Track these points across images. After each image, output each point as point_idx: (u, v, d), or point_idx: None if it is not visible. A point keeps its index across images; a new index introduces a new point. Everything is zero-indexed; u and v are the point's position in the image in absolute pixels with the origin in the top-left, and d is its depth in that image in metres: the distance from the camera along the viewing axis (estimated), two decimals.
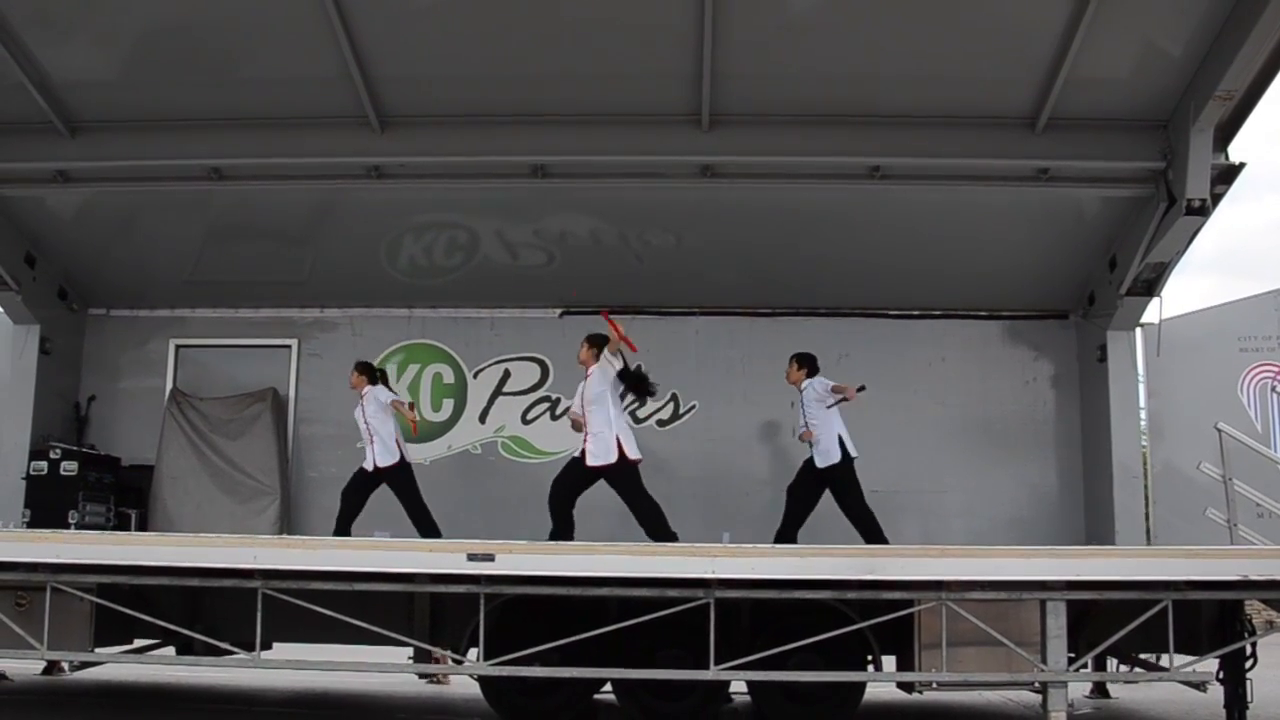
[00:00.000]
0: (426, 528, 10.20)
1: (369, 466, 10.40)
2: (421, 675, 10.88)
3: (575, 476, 9.60)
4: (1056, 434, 11.76)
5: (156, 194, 10.92)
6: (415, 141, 10.36)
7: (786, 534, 9.93)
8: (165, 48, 9.71)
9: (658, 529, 9.22)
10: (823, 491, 10.04)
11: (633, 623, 7.96)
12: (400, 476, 10.41)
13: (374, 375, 10.74)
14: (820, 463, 9.96)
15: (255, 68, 9.91)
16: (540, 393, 11.97)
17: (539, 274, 11.64)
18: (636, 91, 9.96)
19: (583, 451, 9.52)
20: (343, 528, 10.25)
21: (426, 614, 8.95)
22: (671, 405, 11.81)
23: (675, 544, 8.45)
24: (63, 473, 11.04)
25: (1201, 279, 58.14)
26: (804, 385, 10.13)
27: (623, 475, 9.40)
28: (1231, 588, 7.80)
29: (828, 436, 9.93)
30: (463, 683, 10.03)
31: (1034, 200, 10.58)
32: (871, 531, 9.77)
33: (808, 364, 10.23)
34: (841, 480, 9.93)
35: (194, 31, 9.58)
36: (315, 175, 10.63)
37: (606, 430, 9.39)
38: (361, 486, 10.44)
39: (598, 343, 9.62)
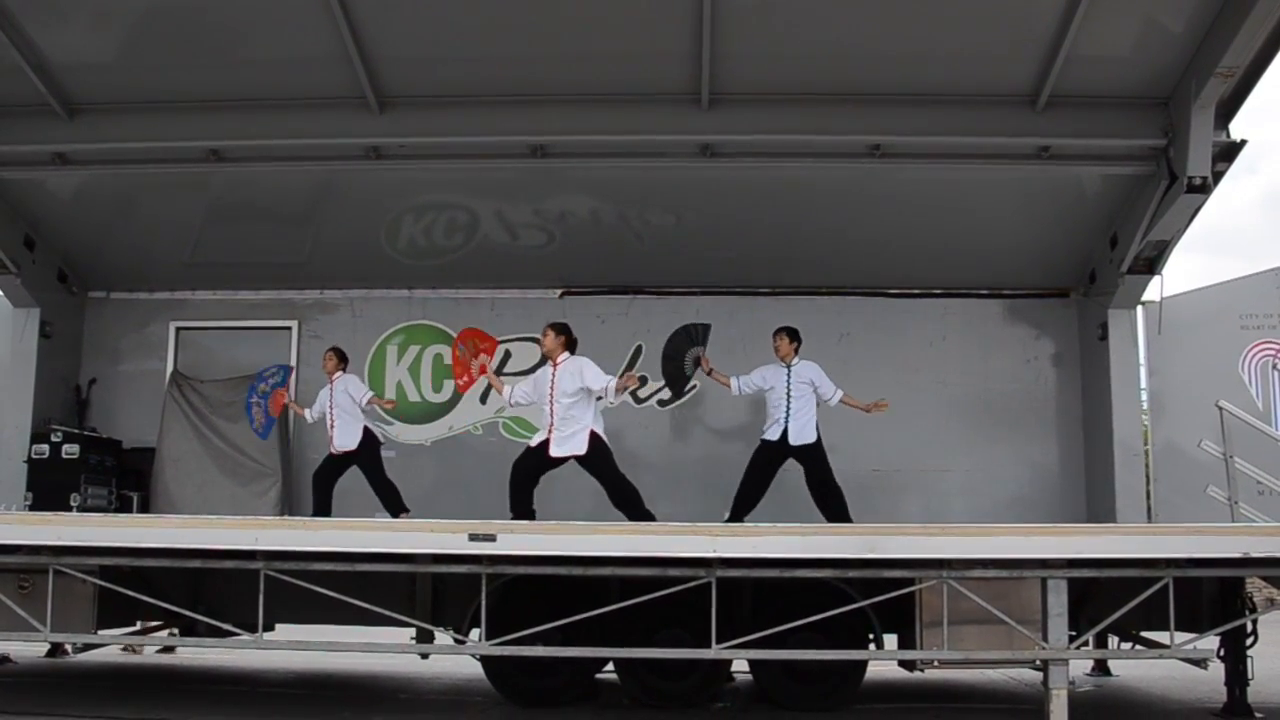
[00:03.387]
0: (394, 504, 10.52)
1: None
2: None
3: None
4: (1058, 412, 11.77)
5: (155, 176, 10.89)
6: (414, 122, 10.33)
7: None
8: (163, 29, 9.67)
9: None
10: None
11: (634, 602, 7.96)
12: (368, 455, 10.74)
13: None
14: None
15: (253, 48, 9.87)
16: None
17: (539, 254, 11.62)
18: (636, 71, 9.92)
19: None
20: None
21: (428, 594, 8.96)
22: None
23: (677, 523, 8.43)
24: (64, 456, 11.07)
25: (1184, 258, 58.43)
26: (796, 363, 10.08)
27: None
28: (1232, 565, 7.79)
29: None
30: (464, 662, 10.05)
31: (1035, 178, 10.55)
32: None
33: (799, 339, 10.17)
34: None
35: (192, 12, 9.55)
36: (314, 156, 10.60)
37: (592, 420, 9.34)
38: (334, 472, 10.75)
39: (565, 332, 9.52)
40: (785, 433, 9.89)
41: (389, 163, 10.58)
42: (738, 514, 9.86)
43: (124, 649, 12.00)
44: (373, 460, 10.66)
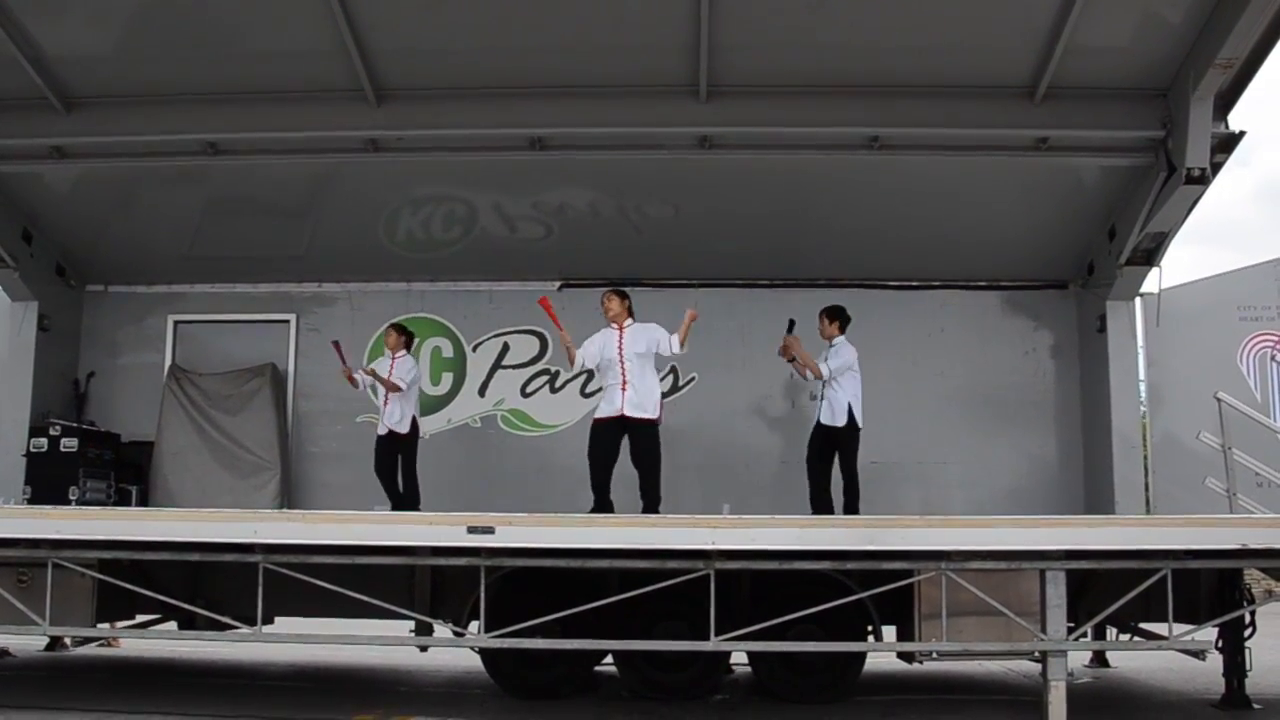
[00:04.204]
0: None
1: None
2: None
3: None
4: (1056, 404, 11.76)
5: (153, 169, 10.88)
6: (412, 115, 10.31)
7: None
8: (160, 22, 9.65)
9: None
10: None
11: (633, 594, 7.99)
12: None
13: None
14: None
15: (251, 41, 9.84)
16: (539, 365, 11.96)
17: (537, 247, 11.61)
18: (634, 63, 9.91)
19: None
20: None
21: (427, 587, 8.98)
22: (671, 377, 11.78)
23: (676, 515, 8.44)
24: (63, 449, 11.06)
25: (1178, 249, 58.54)
26: (836, 342, 10.11)
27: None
28: (1230, 556, 7.82)
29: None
30: (463, 655, 10.06)
31: (1033, 170, 10.54)
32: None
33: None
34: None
35: (189, 5, 9.54)
36: (312, 149, 10.59)
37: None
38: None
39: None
40: (820, 413, 9.98)
41: (387, 155, 10.56)
42: (826, 506, 9.86)
43: (101, 644, 11.93)
44: (414, 449, 10.73)
